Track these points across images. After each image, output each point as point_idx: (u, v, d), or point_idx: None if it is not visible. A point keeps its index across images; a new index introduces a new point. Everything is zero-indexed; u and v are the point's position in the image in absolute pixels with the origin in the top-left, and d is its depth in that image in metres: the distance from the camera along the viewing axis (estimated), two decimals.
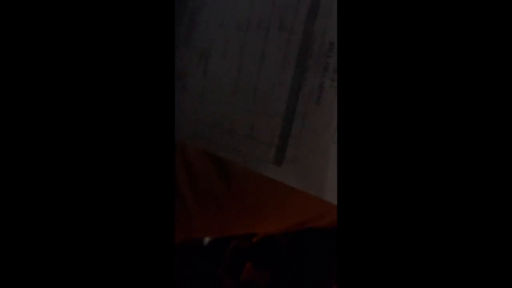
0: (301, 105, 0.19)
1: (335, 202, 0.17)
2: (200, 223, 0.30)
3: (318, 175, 0.18)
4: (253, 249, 0.57)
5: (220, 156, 0.22)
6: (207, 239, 0.61)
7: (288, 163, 0.19)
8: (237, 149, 0.21)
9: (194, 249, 0.59)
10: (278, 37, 0.20)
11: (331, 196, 0.18)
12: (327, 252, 0.55)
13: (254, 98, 0.21)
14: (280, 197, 0.29)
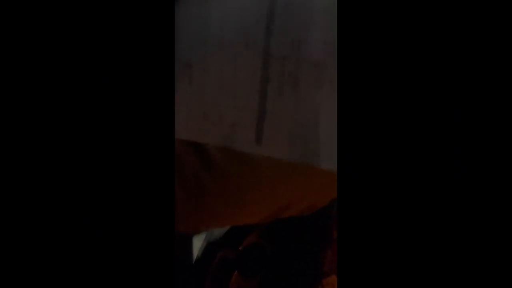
0: (269, 101, 0.25)
1: (334, 169, 0.20)
2: (185, 211, 0.33)
3: (303, 147, 0.23)
4: (239, 258, 0.58)
5: (209, 145, 0.26)
6: (194, 255, 0.61)
7: (266, 141, 0.24)
8: (224, 136, 0.25)
9: (181, 263, 0.60)
10: (245, 54, 0.26)
11: (328, 163, 0.22)
12: (313, 256, 0.57)
13: (235, 96, 0.26)
14: (260, 181, 0.32)
